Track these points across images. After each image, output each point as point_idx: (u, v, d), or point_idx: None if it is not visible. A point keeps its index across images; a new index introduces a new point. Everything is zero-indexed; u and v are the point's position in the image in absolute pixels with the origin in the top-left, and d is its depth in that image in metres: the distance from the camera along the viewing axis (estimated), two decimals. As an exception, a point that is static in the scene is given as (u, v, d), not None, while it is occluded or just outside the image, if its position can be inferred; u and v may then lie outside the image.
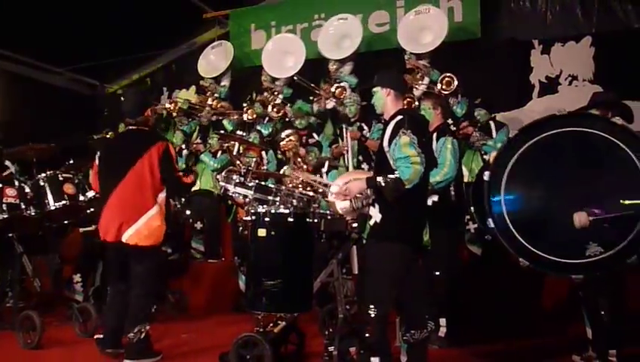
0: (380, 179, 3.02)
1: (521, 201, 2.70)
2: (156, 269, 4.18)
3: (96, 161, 4.27)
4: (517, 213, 2.68)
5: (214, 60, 7.94)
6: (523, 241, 2.64)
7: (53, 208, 4.83)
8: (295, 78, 6.94)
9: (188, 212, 6.31)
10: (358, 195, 3.37)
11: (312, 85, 6.92)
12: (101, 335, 4.19)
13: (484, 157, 5.73)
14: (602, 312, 3.53)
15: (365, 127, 6.12)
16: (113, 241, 4.02)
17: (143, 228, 3.98)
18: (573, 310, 4.04)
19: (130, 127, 4.23)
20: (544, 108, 6.33)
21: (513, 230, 2.66)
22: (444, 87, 6.24)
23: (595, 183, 2.52)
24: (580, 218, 2.35)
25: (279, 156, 6.43)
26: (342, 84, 6.80)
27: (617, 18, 6.35)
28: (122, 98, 4.50)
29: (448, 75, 6.26)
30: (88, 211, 4.99)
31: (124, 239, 3.98)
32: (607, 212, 2.42)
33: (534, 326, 4.83)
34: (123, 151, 4.16)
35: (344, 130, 5.92)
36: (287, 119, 7.01)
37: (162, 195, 4.10)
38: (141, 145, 4.08)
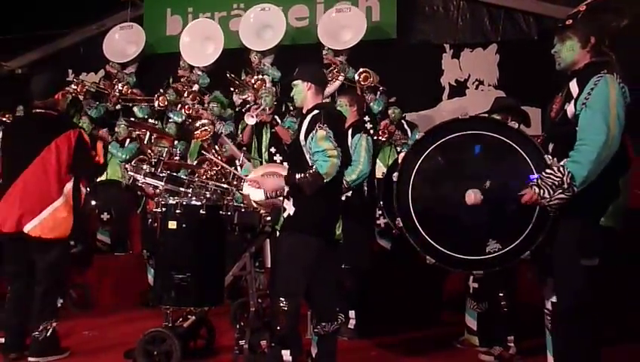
0: (298, 175, 3.03)
1: (427, 201, 2.81)
2: (63, 263, 3.89)
3: None
4: (424, 213, 2.79)
5: (120, 43, 7.59)
6: (430, 240, 2.75)
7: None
8: (228, 75, 6.76)
9: (93, 202, 5.99)
10: None
11: (236, 79, 6.79)
12: (2, 339, 3.81)
13: (401, 155, 5.91)
14: (503, 302, 3.87)
15: (279, 121, 6.08)
16: (11, 232, 3.70)
17: (48, 220, 3.69)
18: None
19: (38, 110, 3.86)
20: (453, 110, 6.65)
21: (420, 229, 2.77)
22: (361, 81, 6.37)
23: (494, 182, 2.68)
24: (475, 195, 2.53)
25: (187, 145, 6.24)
26: (262, 77, 6.73)
27: (520, 29, 6.81)
28: (33, 77, 4.08)
29: (366, 70, 6.40)
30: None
31: (25, 230, 3.67)
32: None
33: (437, 316, 5.12)
34: (28, 138, 3.80)
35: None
36: (203, 106, 6.85)
37: (69, 186, 3.80)
38: (49, 131, 3.76)
